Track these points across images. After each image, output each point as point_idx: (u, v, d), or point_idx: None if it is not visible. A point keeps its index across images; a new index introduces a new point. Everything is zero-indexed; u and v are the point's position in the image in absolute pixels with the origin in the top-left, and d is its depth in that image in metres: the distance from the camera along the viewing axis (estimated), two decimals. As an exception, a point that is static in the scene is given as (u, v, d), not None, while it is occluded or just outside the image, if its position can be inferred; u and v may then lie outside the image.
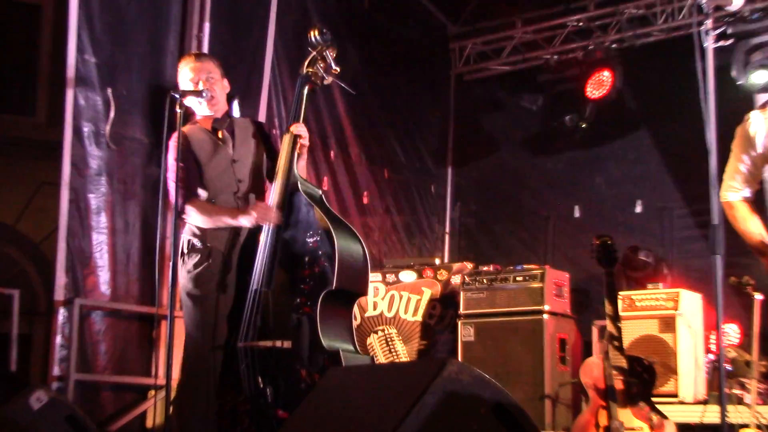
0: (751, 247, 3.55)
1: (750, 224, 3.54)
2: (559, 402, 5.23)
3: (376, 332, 5.99)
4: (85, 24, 4.86)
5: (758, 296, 4.36)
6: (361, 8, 7.06)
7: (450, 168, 8.17)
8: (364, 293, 3.81)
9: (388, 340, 5.94)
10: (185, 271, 3.82)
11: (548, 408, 5.18)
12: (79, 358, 4.70)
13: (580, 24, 7.42)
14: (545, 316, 5.31)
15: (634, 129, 7.21)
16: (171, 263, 3.55)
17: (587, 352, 5.57)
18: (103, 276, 4.91)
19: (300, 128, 3.81)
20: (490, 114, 8.13)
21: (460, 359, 5.41)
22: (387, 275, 6.05)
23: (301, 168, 3.86)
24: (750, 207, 3.58)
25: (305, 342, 3.44)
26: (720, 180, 3.38)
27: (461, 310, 5.62)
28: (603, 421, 4.26)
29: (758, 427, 4.34)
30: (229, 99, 4.28)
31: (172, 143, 3.78)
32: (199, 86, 3.90)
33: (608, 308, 4.40)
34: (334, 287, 3.48)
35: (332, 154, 6.74)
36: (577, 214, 7.41)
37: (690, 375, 5.13)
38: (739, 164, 3.56)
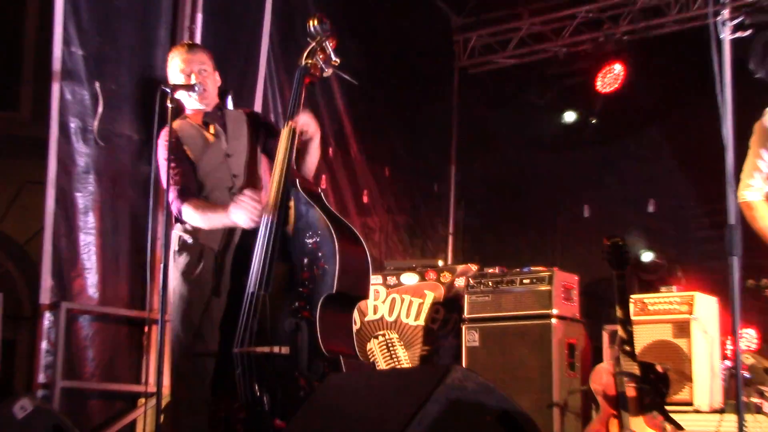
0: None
1: (769, 224, 3.54)
2: (567, 410, 5.22)
3: (376, 337, 5.99)
4: (72, 14, 4.86)
5: (777, 300, 4.36)
6: (360, -2, 7.06)
7: (453, 165, 8.18)
8: (366, 297, 3.80)
9: (389, 345, 5.94)
10: (176, 271, 3.82)
11: (556, 417, 5.17)
12: (65, 365, 4.69)
13: (590, 15, 7.42)
14: (553, 320, 5.31)
15: (646, 124, 7.21)
16: (162, 265, 3.54)
17: (597, 358, 5.56)
18: (91, 278, 4.91)
19: (303, 120, 3.77)
20: (496, 109, 8.12)
21: (464, 365, 5.41)
22: (388, 278, 6.05)
23: (311, 163, 3.85)
24: (770, 206, 3.58)
25: (304, 348, 3.43)
26: (737, 178, 3.38)
27: (465, 314, 5.62)
28: (614, 430, 4.26)
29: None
30: (223, 93, 4.28)
31: (162, 141, 3.77)
32: (191, 79, 3.89)
33: (619, 312, 4.41)
34: (334, 291, 3.47)
35: (330, 151, 6.74)
36: (586, 213, 7.41)
37: (705, 382, 5.13)
38: (757, 161, 3.57)
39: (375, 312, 6.02)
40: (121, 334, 5.11)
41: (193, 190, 3.84)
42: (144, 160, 5.15)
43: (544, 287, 5.40)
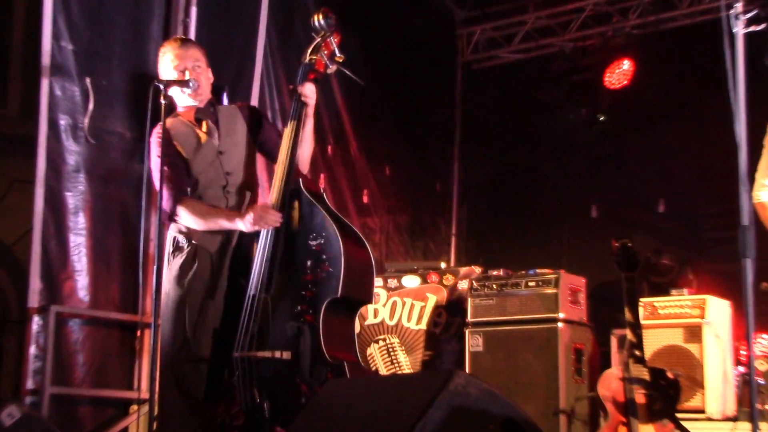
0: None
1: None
2: (575, 417, 5.23)
3: (377, 342, 5.99)
4: (62, 8, 4.86)
5: (792, 304, 4.36)
6: (360, -9, 7.06)
7: (456, 164, 8.19)
8: (369, 301, 3.80)
9: (390, 350, 5.94)
10: (169, 273, 3.81)
11: (563, 424, 5.18)
12: (54, 370, 4.69)
13: (598, 8, 7.42)
14: (560, 324, 5.31)
15: (656, 122, 7.21)
16: (155, 267, 3.54)
17: (605, 363, 5.56)
18: (82, 281, 4.91)
19: (309, 88, 3.76)
20: (500, 106, 8.13)
21: (467, 371, 5.41)
22: (389, 280, 6.05)
23: (306, 154, 3.85)
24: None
25: (306, 353, 3.43)
26: (751, 178, 3.38)
27: (469, 318, 5.62)
28: (623, 438, 4.26)
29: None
30: (218, 90, 4.27)
31: (154, 138, 3.77)
32: (185, 75, 3.89)
33: (628, 316, 4.41)
34: (339, 295, 3.47)
35: (330, 149, 6.74)
36: (594, 214, 7.41)
37: (718, 389, 5.13)
38: (772, 160, 3.56)
39: (375, 316, 6.02)
40: (113, 339, 5.11)
41: (186, 189, 3.84)
42: (136, 159, 5.14)
43: (550, 290, 5.41)
